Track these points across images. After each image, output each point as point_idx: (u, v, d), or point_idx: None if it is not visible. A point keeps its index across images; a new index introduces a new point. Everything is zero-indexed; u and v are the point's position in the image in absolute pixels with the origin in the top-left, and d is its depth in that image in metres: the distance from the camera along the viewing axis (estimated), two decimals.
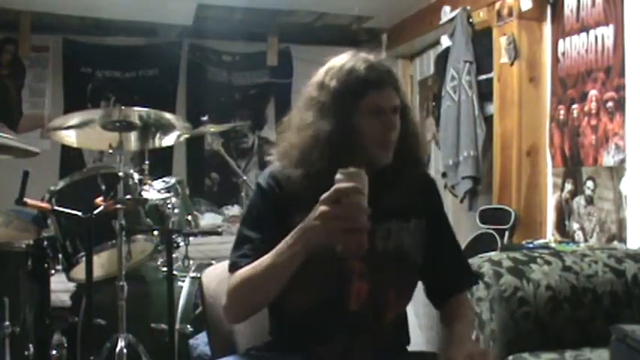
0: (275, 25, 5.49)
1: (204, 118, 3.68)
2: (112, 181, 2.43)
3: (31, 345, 2.41)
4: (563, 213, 3.43)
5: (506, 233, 3.60)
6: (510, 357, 2.05)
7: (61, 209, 2.49)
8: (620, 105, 3.02)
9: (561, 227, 3.45)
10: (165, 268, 2.64)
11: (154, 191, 2.84)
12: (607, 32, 3.08)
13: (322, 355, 1.44)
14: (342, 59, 1.45)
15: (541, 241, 3.28)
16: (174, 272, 2.66)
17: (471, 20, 3.98)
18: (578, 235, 3.29)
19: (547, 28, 3.57)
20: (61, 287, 2.98)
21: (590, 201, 3.23)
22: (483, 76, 3.93)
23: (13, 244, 2.50)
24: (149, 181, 2.85)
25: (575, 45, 3.32)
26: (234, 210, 5.19)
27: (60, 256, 2.60)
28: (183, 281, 2.88)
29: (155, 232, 2.70)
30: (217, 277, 1.66)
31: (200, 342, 2.57)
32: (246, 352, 1.55)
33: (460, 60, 3.97)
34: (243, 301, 1.40)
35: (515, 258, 2.26)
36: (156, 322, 2.72)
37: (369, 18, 5.22)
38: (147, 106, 2.54)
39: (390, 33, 5.39)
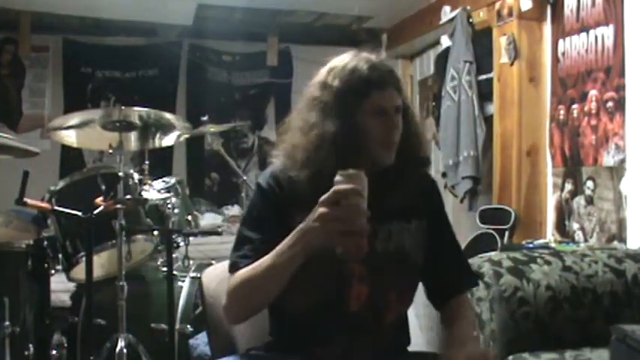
0: (275, 25, 5.49)
1: (204, 118, 3.67)
2: (112, 181, 2.43)
3: (31, 345, 2.41)
4: (563, 213, 3.43)
5: (506, 233, 3.60)
6: (510, 357, 2.05)
7: (61, 209, 2.48)
8: (620, 105, 3.02)
9: (561, 227, 3.45)
10: (165, 268, 2.64)
11: (154, 191, 2.84)
12: (607, 32, 3.08)
13: (322, 356, 1.44)
14: (344, 59, 1.44)
15: (541, 241, 3.28)
16: (174, 272, 2.66)
17: (471, 20, 3.99)
18: (578, 235, 3.30)
19: (547, 28, 3.57)
20: (61, 287, 2.97)
21: (590, 201, 3.23)
22: (483, 76, 3.93)
23: (13, 244, 2.50)
24: (149, 181, 2.85)
25: (575, 45, 3.32)
26: (234, 210, 5.19)
27: (60, 256, 2.60)
28: (183, 281, 2.88)
29: (155, 232, 2.70)
30: (217, 277, 1.66)
31: (200, 342, 2.57)
32: (246, 352, 1.55)
33: (460, 60, 3.97)
34: (243, 301, 1.40)
35: (515, 258, 2.26)
36: (156, 322, 2.72)
37: (369, 18, 5.23)
38: (147, 106, 2.53)
39: (390, 33, 5.39)
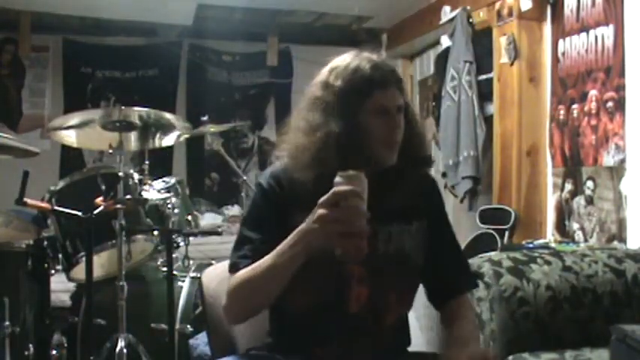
0: (275, 25, 5.49)
1: (204, 118, 3.67)
2: (112, 181, 2.43)
3: (31, 345, 2.41)
4: (563, 213, 3.43)
5: (506, 233, 3.60)
6: (510, 357, 2.04)
7: (61, 209, 2.48)
8: (620, 105, 3.02)
9: (561, 227, 3.45)
10: (165, 268, 2.64)
11: (154, 191, 2.84)
12: (607, 32, 3.08)
13: (322, 357, 1.44)
14: (346, 59, 1.44)
15: (541, 241, 3.28)
16: (174, 272, 2.66)
17: (471, 20, 3.99)
18: (578, 235, 3.30)
19: (547, 28, 3.57)
20: (61, 287, 2.97)
21: (590, 201, 3.23)
22: (483, 76, 3.93)
23: (13, 244, 2.50)
24: (149, 181, 2.85)
25: (575, 45, 3.32)
26: (234, 210, 5.19)
27: (60, 256, 2.60)
28: (183, 281, 2.88)
29: (155, 232, 2.70)
30: (217, 277, 1.66)
31: (200, 342, 2.57)
32: (246, 352, 1.55)
33: (460, 60, 3.97)
34: (243, 302, 1.39)
35: (515, 258, 2.26)
36: (156, 322, 2.72)
37: (369, 18, 5.23)
38: (147, 106, 2.53)
39: (390, 33, 5.39)
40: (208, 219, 4.96)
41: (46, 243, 2.55)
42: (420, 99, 5.26)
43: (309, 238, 1.27)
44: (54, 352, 2.53)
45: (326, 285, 1.40)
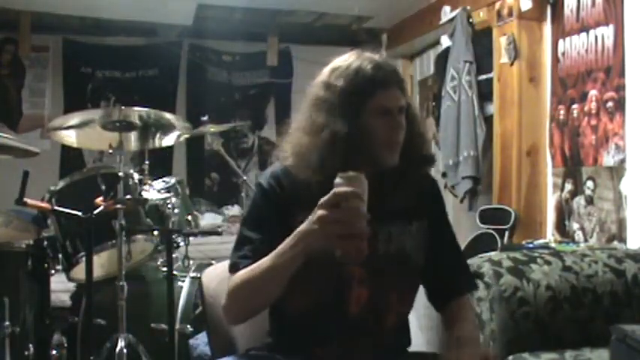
0: (275, 25, 5.49)
1: (204, 118, 3.67)
2: (112, 181, 2.43)
3: (31, 345, 2.41)
4: (563, 213, 3.43)
5: (506, 233, 3.60)
6: (510, 357, 2.04)
7: (61, 209, 2.48)
8: (620, 105, 3.02)
9: (561, 227, 3.45)
10: (165, 268, 2.64)
11: (154, 191, 2.84)
12: (607, 32, 3.08)
13: (322, 357, 1.44)
14: (348, 59, 1.43)
15: (541, 241, 3.27)
16: (174, 272, 2.66)
17: (471, 20, 3.98)
18: (578, 235, 3.29)
19: (547, 28, 3.57)
20: (61, 287, 2.97)
21: (590, 201, 3.23)
22: (483, 76, 3.93)
23: (13, 244, 2.50)
24: (149, 181, 2.85)
25: (575, 45, 3.32)
26: (234, 210, 5.19)
27: (60, 256, 2.60)
28: (183, 281, 2.88)
29: (155, 232, 2.70)
30: (217, 277, 1.65)
31: (200, 342, 2.57)
32: (246, 352, 1.55)
33: (460, 60, 3.97)
34: (243, 302, 1.39)
35: (515, 258, 2.26)
36: (156, 322, 2.72)
37: (369, 18, 5.23)
38: (147, 106, 2.53)
39: (390, 33, 5.39)
40: (208, 219, 4.96)
41: (46, 243, 2.55)
42: (420, 99, 5.26)
43: (310, 239, 1.27)
44: (54, 352, 2.53)
45: (326, 286, 1.40)
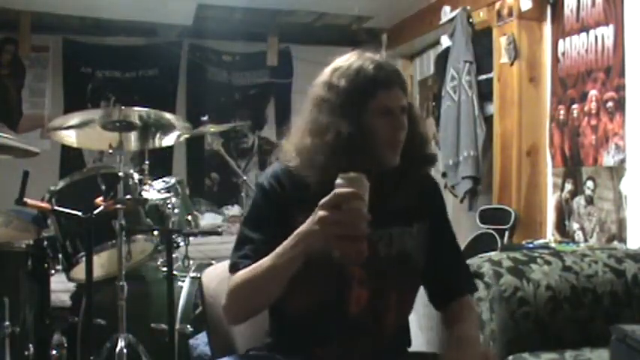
0: (275, 25, 5.49)
1: (204, 118, 3.67)
2: (112, 181, 2.43)
3: (31, 345, 2.41)
4: (563, 213, 3.43)
5: (506, 233, 3.60)
6: (510, 357, 2.04)
7: (61, 209, 2.48)
8: (620, 105, 3.02)
9: (561, 227, 3.45)
10: (165, 268, 2.64)
11: (154, 191, 2.84)
12: (607, 32, 3.08)
13: (322, 357, 1.44)
14: (349, 59, 1.43)
15: (541, 241, 3.28)
16: (174, 272, 2.66)
17: (471, 20, 3.99)
18: (578, 235, 3.30)
19: (547, 28, 3.57)
20: (61, 287, 2.97)
21: (590, 201, 3.23)
22: (483, 76, 3.93)
23: (13, 244, 2.49)
24: (149, 181, 2.85)
25: (575, 45, 3.32)
26: (234, 210, 5.19)
27: (60, 256, 2.60)
28: (183, 281, 2.88)
29: (155, 232, 2.70)
30: (217, 277, 1.65)
31: (200, 342, 2.57)
32: (246, 352, 1.55)
33: (460, 60, 3.97)
34: (243, 302, 1.39)
35: (515, 258, 2.26)
36: (156, 322, 2.72)
37: (369, 18, 5.23)
38: (147, 106, 2.53)
39: (390, 33, 5.39)
40: (208, 219, 4.96)
41: (46, 243, 2.55)
42: (420, 99, 5.26)
43: (310, 239, 1.27)
44: (54, 352, 2.53)
45: (326, 286, 1.40)
